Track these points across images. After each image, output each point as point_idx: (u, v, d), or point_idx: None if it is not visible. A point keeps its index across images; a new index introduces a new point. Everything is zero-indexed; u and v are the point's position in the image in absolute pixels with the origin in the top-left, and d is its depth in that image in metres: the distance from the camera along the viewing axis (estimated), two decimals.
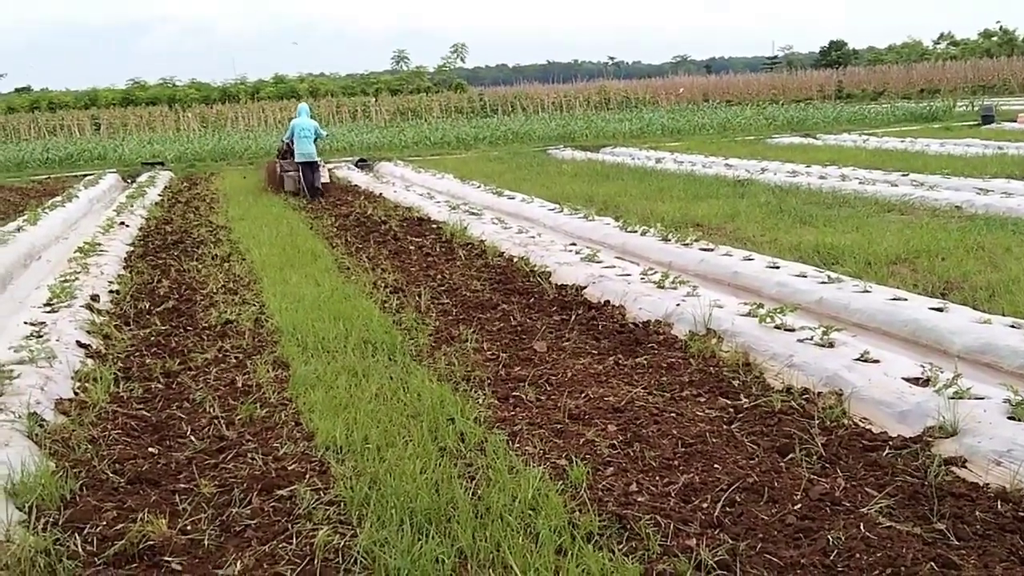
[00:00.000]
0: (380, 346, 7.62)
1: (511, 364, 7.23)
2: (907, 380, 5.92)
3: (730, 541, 4.19)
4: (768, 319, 7.33)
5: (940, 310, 7.59)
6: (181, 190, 24.00)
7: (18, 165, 33.47)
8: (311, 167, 20.43)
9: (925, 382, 5.84)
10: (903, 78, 62.23)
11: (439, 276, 10.72)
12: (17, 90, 73.25)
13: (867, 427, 5.55)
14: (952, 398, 5.43)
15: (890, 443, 5.23)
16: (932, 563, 3.93)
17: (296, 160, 20.36)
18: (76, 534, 4.42)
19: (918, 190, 15.12)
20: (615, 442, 5.50)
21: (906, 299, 8.01)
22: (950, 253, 10.18)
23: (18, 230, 14.53)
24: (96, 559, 4.24)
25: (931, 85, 58.51)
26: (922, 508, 4.45)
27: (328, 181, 21.57)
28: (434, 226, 14.55)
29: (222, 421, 6.13)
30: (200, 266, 11.97)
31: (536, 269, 10.44)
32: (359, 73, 75.08)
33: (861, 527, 4.27)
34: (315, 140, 20.52)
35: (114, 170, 29.52)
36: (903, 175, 17.27)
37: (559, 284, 9.74)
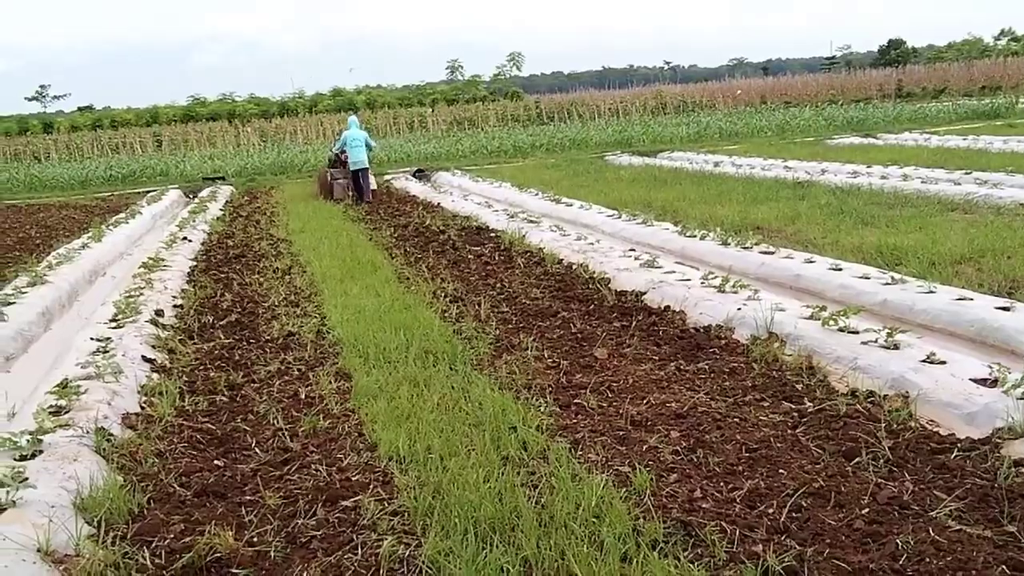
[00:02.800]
0: (441, 356, 7.64)
1: (572, 371, 7.22)
2: (974, 381, 5.84)
3: (797, 547, 4.15)
4: (831, 322, 7.26)
5: (1007, 309, 7.47)
6: (242, 204, 24.24)
7: (82, 183, 33.98)
8: (363, 174, 22.00)
9: (993, 383, 5.76)
10: (964, 75, 61.33)
11: (498, 284, 10.73)
12: (80, 109, 74.38)
13: (934, 429, 5.47)
14: (1021, 399, 5.34)
15: (958, 445, 5.15)
16: (1003, 566, 3.87)
17: (350, 168, 22.01)
18: (144, 547, 4.47)
19: (982, 188, 14.90)
20: (678, 448, 5.47)
21: (972, 299, 7.90)
22: (1016, 251, 10.02)
23: (83, 247, 14.78)
24: (164, 572, 4.29)
25: (992, 82, 57.60)
26: (992, 511, 4.39)
27: (375, 188, 22.95)
28: (492, 235, 14.57)
29: (286, 433, 6.17)
30: (261, 279, 12.08)
31: (595, 276, 10.42)
32: (414, 84, 75.33)
33: (930, 531, 4.21)
34: (368, 150, 22.17)
35: (176, 186, 29.89)
36: (966, 173, 17.01)
37: (618, 290, 9.71)
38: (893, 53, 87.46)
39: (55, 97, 73.24)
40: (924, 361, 6.24)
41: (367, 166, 22.11)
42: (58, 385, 6.60)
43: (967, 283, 8.86)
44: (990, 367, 5.97)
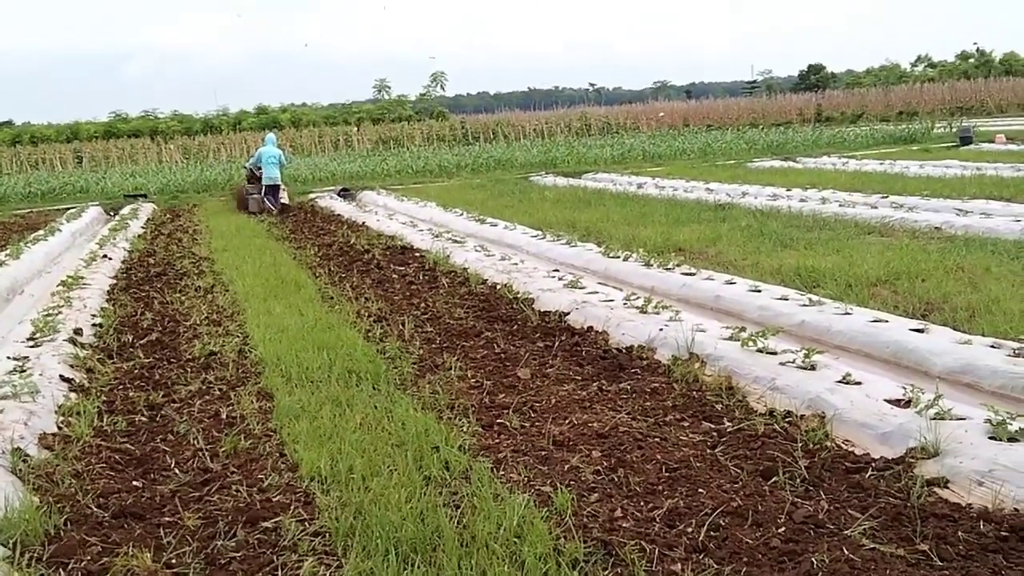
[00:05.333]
0: (364, 375, 7.62)
1: (495, 392, 7.24)
2: (889, 401, 5.95)
3: (715, 566, 4.20)
4: (750, 343, 7.36)
5: (921, 331, 7.63)
6: (164, 222, 23.98)
7: (0, 200, 33.39)
8: (274, 190, 23.97)
9: (907, 403, 5.87)
10: (881, 101, 62.56)
11: (422, 304, 10.73)
12: None
13: (850, 449, 5.57)
14: (934, 419, 5.46)
15: (873, 465, 5.25)
16: None
17: (263, 183, 23.90)
18: (61, 569, 4.41)
19: (898, 212, 15.19)
20: (600, 468, 5.51)
21: (887, 321, 8.05)
22: (930, 274, 10.23)
23: (0, 265, 14.50)
24: None
25: (909, 107, 58.82)
26: (905, 529, 4.48)
27: (288, 202, 24.87)
28: (417, 254, 14.57)
29: (206, 453, 6.12)
30: (183, 298, 11.95)
31: (519, 296, 10.46)
32: (341, 103, 75.20)
33: (845, 550, 4.28)
34: (280, 167, 24.20)
35: (96, 203, 29.49)
36: (883, 197, 17.32)
37: (542, 311, 9.76)
38: (813, 78, 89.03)
39: None
40: (840, 382, 6.36)
41: (279, 183, 24.13)
42: None
43: (883, 305, 9.03)
44: (904, 388, 6.09)
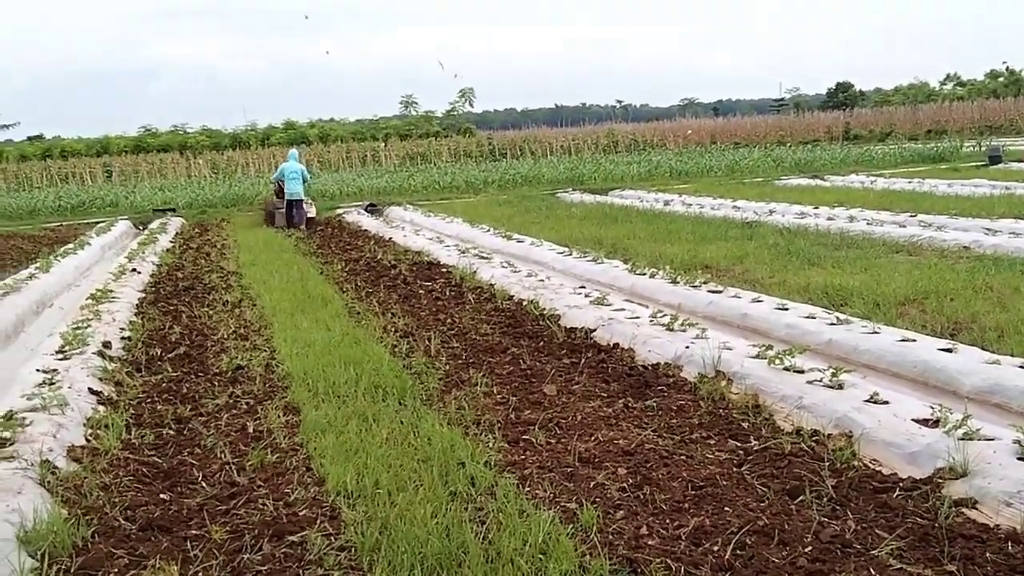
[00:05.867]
0: (390, 391, 7.64)
1: (521, 408, 7.24)
2: (917, 421, 5.92)
3: None
4: (777, 361, 7.34)
5: (949, 351, 7.59)
6: (192, 236, 24.13)
7: (31, 213, 33.68)
8: (297, 205, 24.46)
9: (935, 423, 5.84)
10: (910, 119, 62.31)
11: (449, 320, 10.75)
12: (30, 138, 73.49)
13: (877, 469, 5.55)
14: (962, 439, 5.43)
15: (900, 485, 5.23)
16: None
17: (286, 199, 24.44)
18: None
19: (926, 231, 15.12)
20: (625, 485, 5.50)
21: (915, 340, 8.01)
22: (959, 294, 10.18)
23: (30, 278, 14.62)
24: None
25: (938, 126, 58.55)
26: (933, 550, 4.45)
27: (314, 217, 25.49)
28: (444, 270, 14.61)
29: (233, 467, 6.15)
30: (211, 312, 12.02)
31: (545, 313, 10.47)
32: (368, 118, 75.26)
33: (871, 570, 4.27)
34: (303, 182, 24.76)
35: (126, 217, 29.68)
36: (911, 216, 17.27)
37: (568, 327, 9.76)
38: (841, 96, 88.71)
39: (4, 126, 72.24)
40: (868, 401, 6.33)
41: (302, 197, 24.63)
42: (2, 417, 6.52)
43: (911, 324, 8.99)
44: (932, 408, 6.05)
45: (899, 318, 9.35)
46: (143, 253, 18.56)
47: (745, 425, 6.47)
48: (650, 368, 8.08)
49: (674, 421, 6.71)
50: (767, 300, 10.18)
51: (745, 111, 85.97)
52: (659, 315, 9.44)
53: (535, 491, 5.47)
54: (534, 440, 6.40)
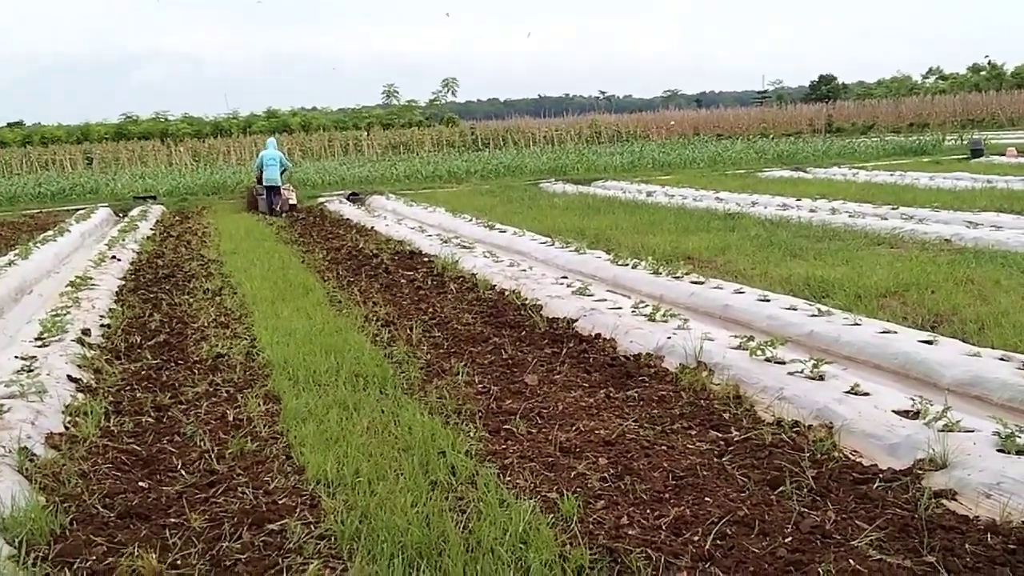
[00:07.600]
0: (371, 379, 7.62)
1: (502, 397, 7.23)
2: (897, 413, 5.93)
3: (721, 574, 4.20)
4: (759, 352, 7.35)
5: (930, 343, 7.61)
6: (173, 224, 24.05)
7: (10, 199, 33.53)
8: (275, 191, 25.18)
9: (915, 415, 5.85)
10: (892, 112, 62.55)
11: (430, 309, 10.73)
12: (9, 124, 72.89)
13: (857, 460, 5.55)
14: (942, 431, 5.44)
15: (880, 476, 5.24)
16: None
17: (263, 185, 25.26)
18: (66, 569, 4.42)
19: (908, 223, 15.17)
20: (606, 475, 5.50)
21: (896, 332, 8.04)
22: (940, 286, 10.21)
23: (9, 264, 14.54)
24: None
25: (920, 119, 58.80)
26: (912, 541, 4.46)
27: (295, 203, 26.37)
28: (426, 259, 14.58)
29: (213, 455, 6.12)
30: (191, 300, 11.97)
31: (527, 302, 10.46)
32: (351, 107, 75.01)
33: (851, 560, 4.27)
34: (283, 170, 25.48)
35: (106, 204, 29.56)
36: (893, 208, 17.31)
37: (550, 317, 9.75)
38: (824, 89, 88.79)
39: None
40: (848, 392, 6.34)
41: (279, 184, 25.25)
42: None
43: (892, 316, 9.01)
44: (913, 399, 6.07)
45: (880, 310, 9.37)
46: (123, 240, 18.47)
47: (726, 416, 6.46)
48: (632, 358, 8.08)
49: (655, 411, 6.71)
50: (749, 291, 10.20)
51: (728, 103, 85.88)
52: (641, 305, 9.43)
53: (516, 480, 5.46)
54: (515, 430, 6.39)
